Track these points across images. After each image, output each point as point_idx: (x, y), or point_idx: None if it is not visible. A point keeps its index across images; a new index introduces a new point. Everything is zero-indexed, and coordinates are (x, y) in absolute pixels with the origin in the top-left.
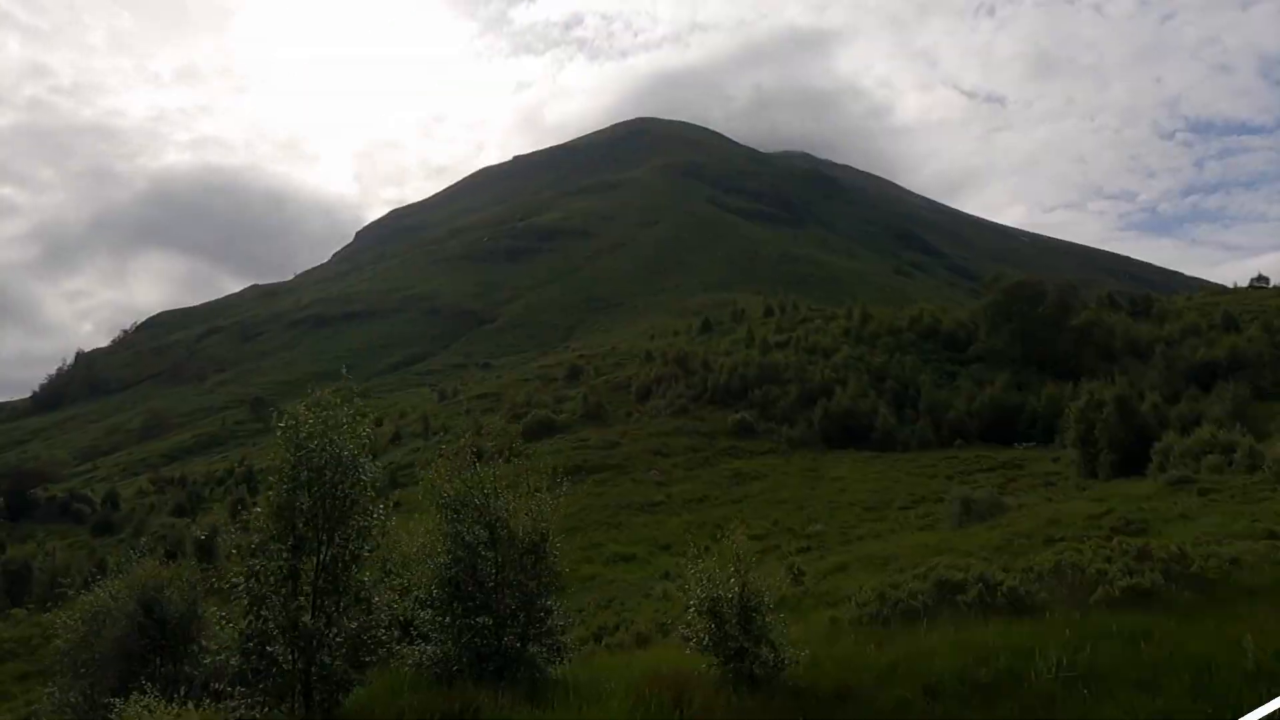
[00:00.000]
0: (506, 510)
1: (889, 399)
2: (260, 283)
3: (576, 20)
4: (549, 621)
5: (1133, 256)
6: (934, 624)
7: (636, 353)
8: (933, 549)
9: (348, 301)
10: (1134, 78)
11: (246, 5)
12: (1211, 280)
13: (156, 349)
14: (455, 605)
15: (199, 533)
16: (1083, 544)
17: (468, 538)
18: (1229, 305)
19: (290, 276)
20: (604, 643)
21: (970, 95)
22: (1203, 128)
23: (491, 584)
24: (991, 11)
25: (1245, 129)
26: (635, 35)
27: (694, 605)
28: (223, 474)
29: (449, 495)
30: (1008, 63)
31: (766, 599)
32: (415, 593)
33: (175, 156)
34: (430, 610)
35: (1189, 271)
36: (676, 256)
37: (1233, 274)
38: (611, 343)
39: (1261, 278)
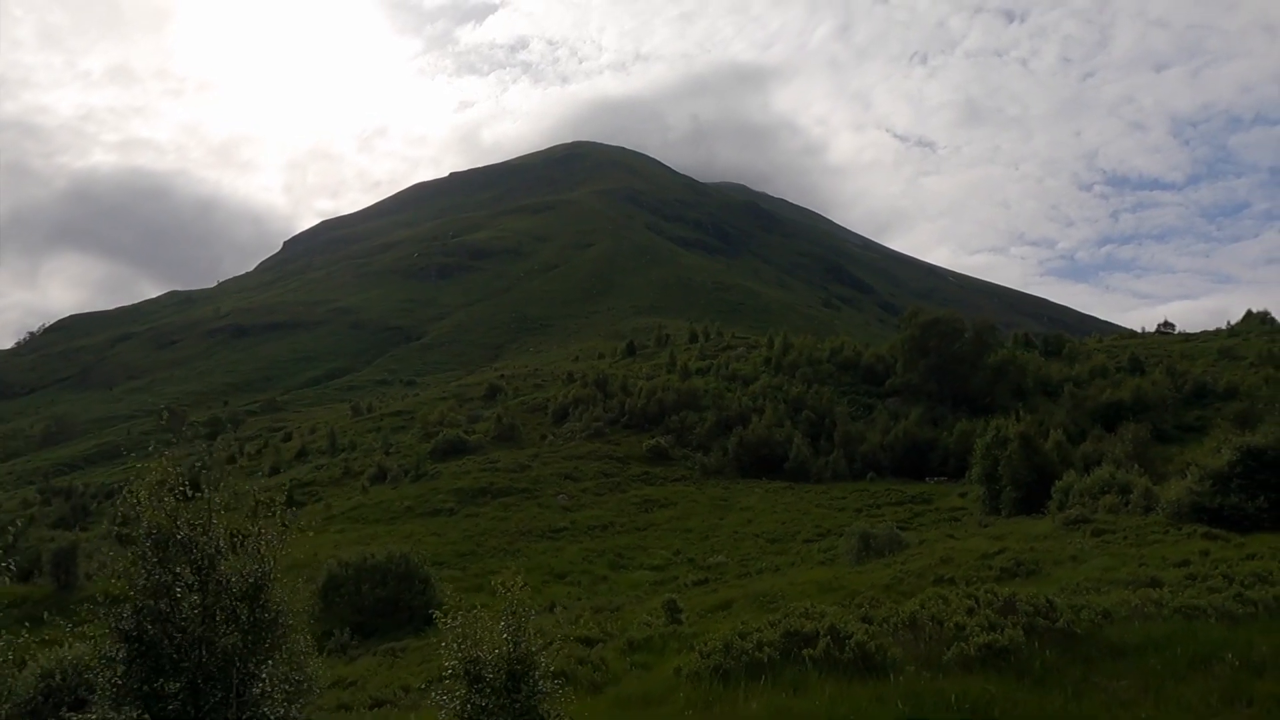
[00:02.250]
0: (219, 546)
1: (805, 429)
2: (181, 289)
3: (522, 44)
4: (251, 689)
5: (1052, 300)
6: (775, 682)
7: (559, 374)
8: (823, 586)
9: (270, 311)
10: (1056, 130)
11: (185, 8)
12: (1123, 325)
13: (64, 352)
14: (136, 665)
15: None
16: (951, 591)
17: (143, 582)
18: (1136, 349)
19: (214, 284)
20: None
21: (902, 139)
22: (1118, 182)
23: (183, 639)
24: (924, 60)
25: (1157, 185)
26: (580, 62)
27: (451, 667)
28: (115, 486)
29: (148, 525)
30: (938, 109)
31: (542, 660)
32: (98, 648)
33: (101, 157)
34: (111, 670)
35: (1102, 316)
36: (610, 280)
37: (1142, 320)
38: (535, 364)
39: (1168, 324)
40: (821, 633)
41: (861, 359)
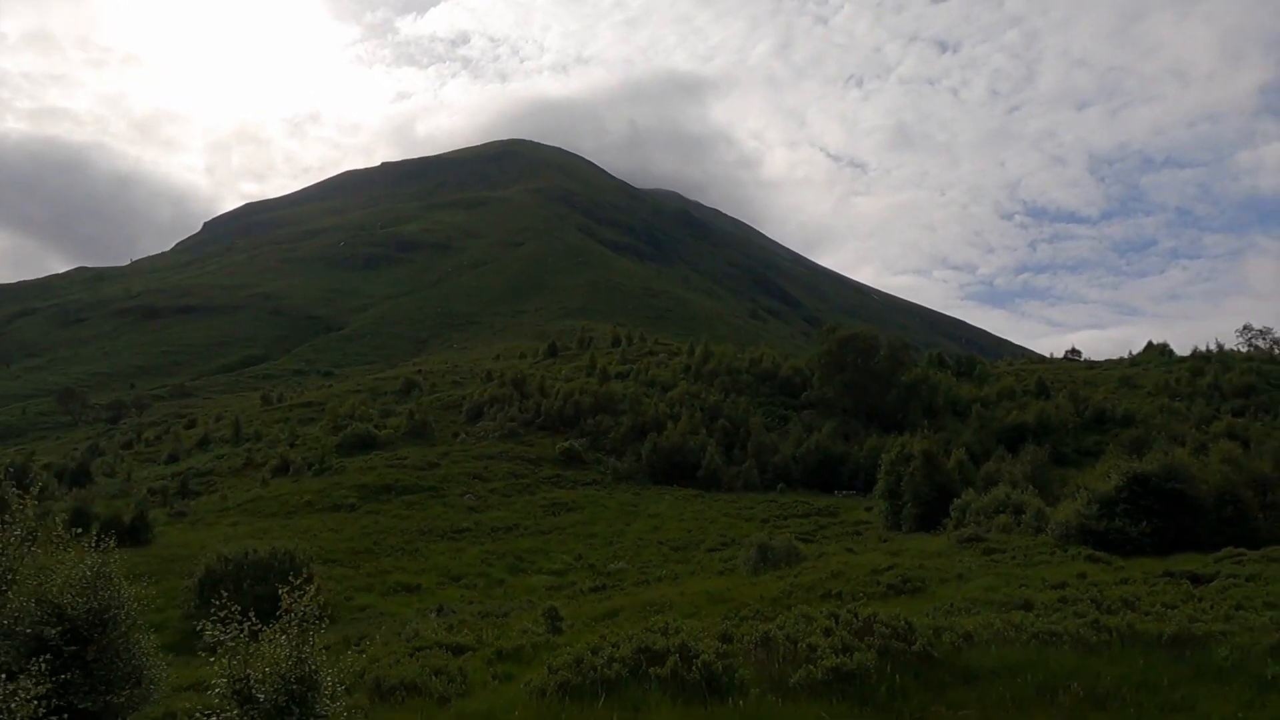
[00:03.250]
0: None
1: (719, 438)
2: (90, 266)
3: (464, 39)
4: None
5: (970, 323)
6: (618, 702)
7: (479, 372)
8: (713, 597)
9: (185, 294)
10: (981, 159)
11: None
12: (1034, 350)
13: None
14: None
15: None
16: (817, 609)
17: None
18: (1043, 373)
19: (128, 263)
20: None
21: (835, 158)
22: (1037, 213)
23: None
24: (860, 83)
25: (1074, 218)
26: (521, 61)
27: (220, 686)
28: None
29: None
30: (870, 132)
31: (327, 679)
32: None
33: (12, 124)
34: None
35: (1016, 341)
36: (539, 280)
37: (1052, 346)
38: (455, 360)
39: (1075, 350)
40: (672, 651)
41: (780, 371)
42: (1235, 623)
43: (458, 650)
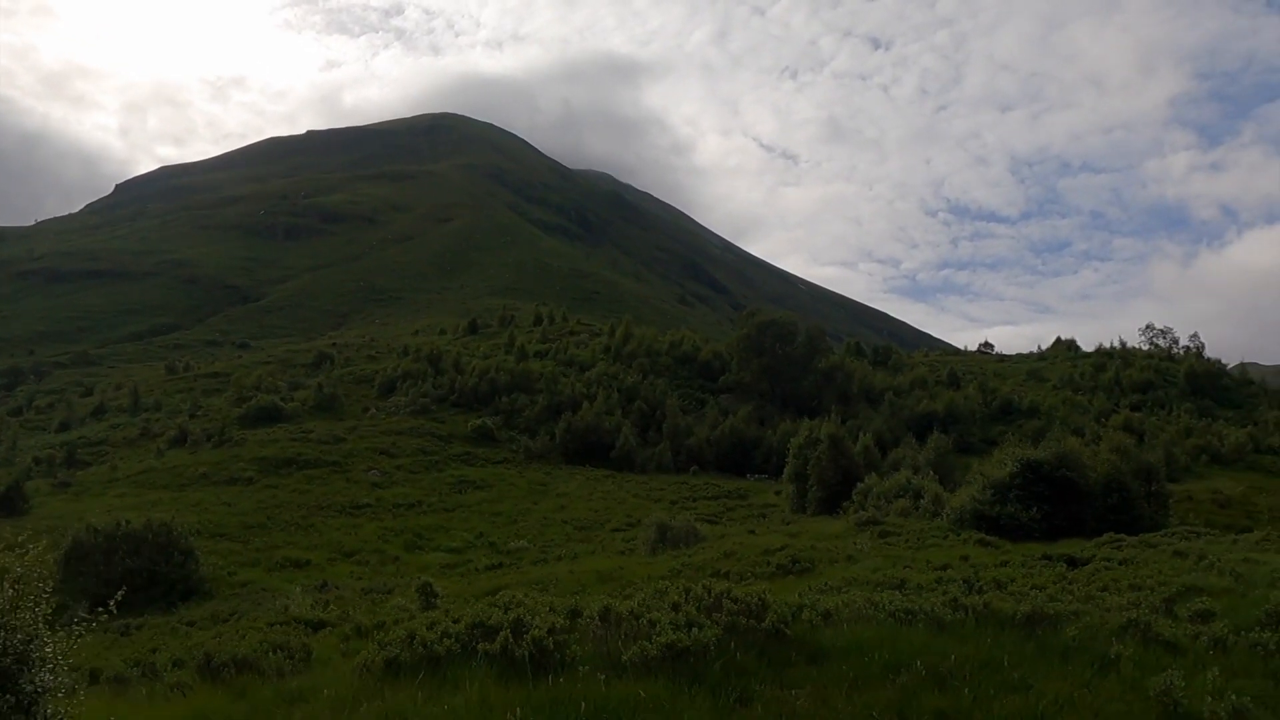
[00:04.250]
0: None
1: (635, 419)
2: None
3: (398, 9)
4: None
5: (893, 315)
6: (433, 680)
7: (395, 347)
8: (603, 576)
9: (92, 257)
10: (908, 156)
11: None
12: (953, 344)
13: None
14: None
15: None
16: (673, 585)
17: None
18: (956, 365)
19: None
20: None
21: (767, 148)
22: (960, 211)
23: None
24: (794, 75)
25: (994, 217)
26: (456, 35)
27: None
28: None
29: None
30: (803, 124)
31: (47, 651)
32: None
33: None
34: None
35: (935, 334)
36: (466, 257)
37: (969, 340)
38: (373, 335)
39: (988, 344)
40: (505, 626)
41: (700, 354)
42: (1093, 603)
43: (317, 626)
